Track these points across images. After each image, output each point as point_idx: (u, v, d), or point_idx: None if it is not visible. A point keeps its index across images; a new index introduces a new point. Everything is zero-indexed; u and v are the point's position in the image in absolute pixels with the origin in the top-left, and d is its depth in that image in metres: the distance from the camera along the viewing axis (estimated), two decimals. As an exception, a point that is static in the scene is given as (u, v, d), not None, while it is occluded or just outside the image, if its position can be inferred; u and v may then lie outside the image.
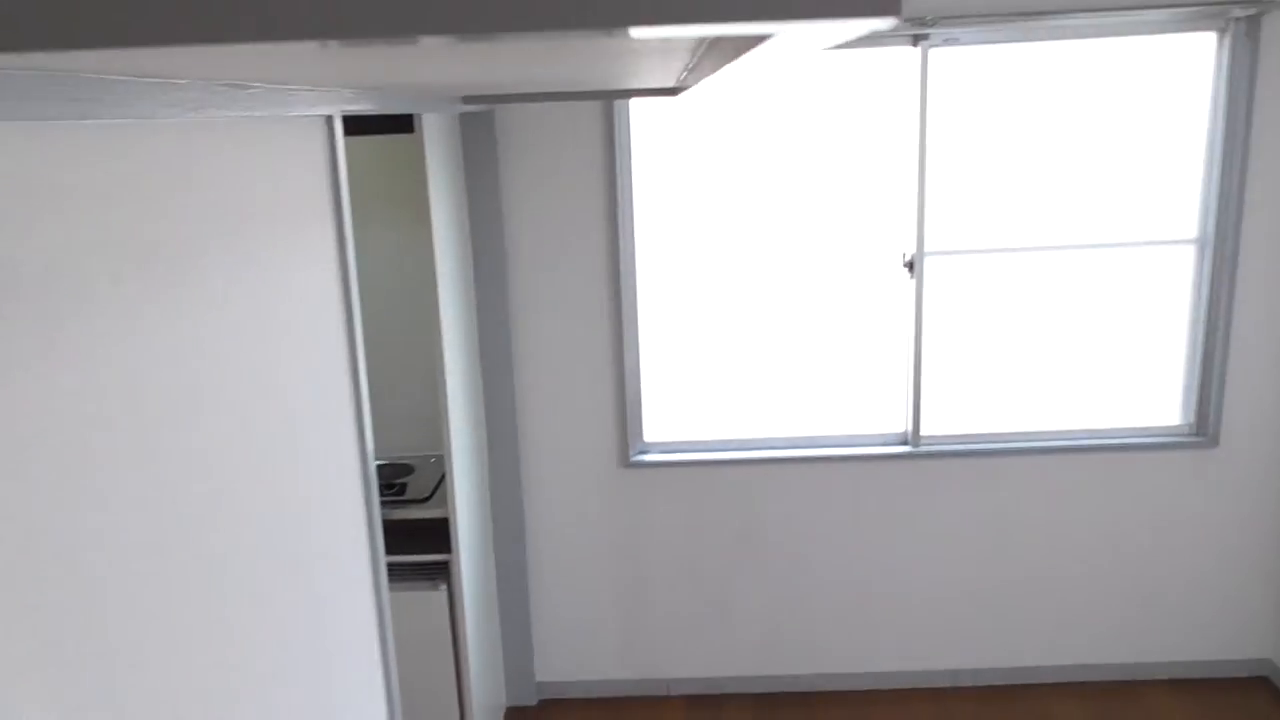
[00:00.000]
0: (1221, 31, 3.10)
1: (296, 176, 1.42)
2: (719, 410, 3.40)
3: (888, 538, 3.45)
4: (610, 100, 2.92)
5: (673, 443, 3.42)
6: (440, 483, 3.08)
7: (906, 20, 2.99)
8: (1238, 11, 2.99)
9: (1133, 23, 3.06)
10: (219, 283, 1.19)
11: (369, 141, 3.13)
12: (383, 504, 2.96)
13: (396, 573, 2.99)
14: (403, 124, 2.64)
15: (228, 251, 1.21)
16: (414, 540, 2.97)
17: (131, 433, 1.00)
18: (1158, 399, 3.39)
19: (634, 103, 3.15)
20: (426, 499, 2.98)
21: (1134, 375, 3.37)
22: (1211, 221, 3.22)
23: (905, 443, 3.40)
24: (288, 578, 1.48)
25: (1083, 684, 3.53)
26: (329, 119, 1.49)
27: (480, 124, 3.08)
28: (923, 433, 3.38)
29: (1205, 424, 3.35)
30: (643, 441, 3.42)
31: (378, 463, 3.30)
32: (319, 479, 1.63)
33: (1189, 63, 3.13)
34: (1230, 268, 3.21)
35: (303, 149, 1.42)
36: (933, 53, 3.10)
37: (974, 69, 3.12)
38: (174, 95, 0.90)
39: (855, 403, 3.39)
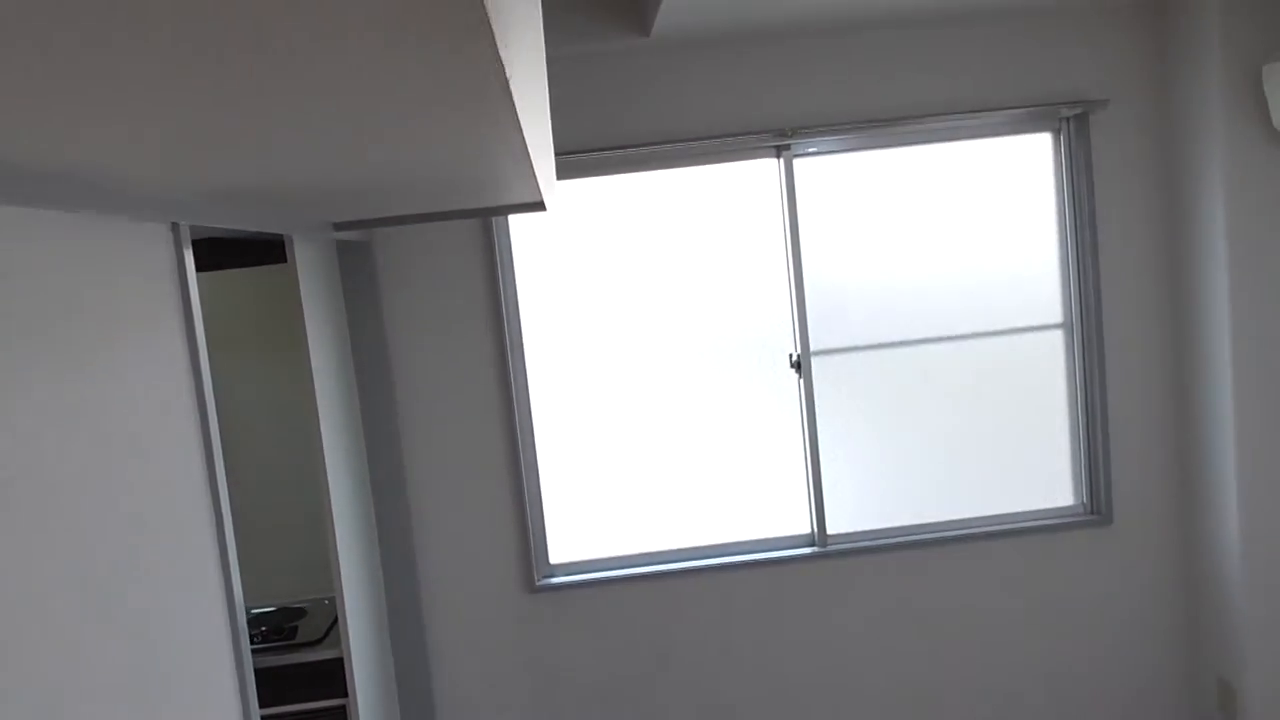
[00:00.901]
0: (1056, 132, 3.34)
1: (135, 285, 1.39)
2: (624, 526, 3.35)
3: (804, 641, 3.38)
4: (482, 218, 2.98)
5: (579, 563, 3.35)
6: (334, 624, 2.93)
7: (767, 132, 3.16)
8: (1065, 111, 3.23)
9: (974, 126, 3.28)
10: (29, 387, 1.15)
11: (243, 274, 3.11)
12: (270, 649, 2.80)
13: (289, 725, 2.80)
14: (276, 254, 2.64)
15: (43, 355, 1.17)
16: (311, 687, 2.81)
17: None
18: (1051, 481, 3.46)
19: (514, 223, 3.21)
20: (318, 641, 2.83)
21: (1026, 459, 3.45)
22: (1074, 306, 3.38)
23: (812, 544, 3.39)
24: None
25: (1016, 779, 3.45)
26: (175, 226, 1.48)
27: (358, 253, 3.09)
28: (829, 532, 3.38)
29: (1098, 503, 3.43)
30: (548, 565, 3.33)
31: (267, 609, 3.14)
32: (172, 625, 1.53)
33: (1039, 158, 3.36)
34: (1097, 349, 3.36)
35: (143, 255, 1.40)
36: (798, 161, 3.26)
37: (842, 174, 3.29)
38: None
39: (761, 507, 3.38)
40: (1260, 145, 3.03)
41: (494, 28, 0.58)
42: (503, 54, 0.65)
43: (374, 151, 1.10)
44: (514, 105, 0.80)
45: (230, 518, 1.77)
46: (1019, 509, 3.45)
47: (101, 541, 1.29)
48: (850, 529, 3.40)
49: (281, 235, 2.49)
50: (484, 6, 0.56)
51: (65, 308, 1.22)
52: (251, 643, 2.88)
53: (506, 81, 0.71)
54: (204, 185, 1.24)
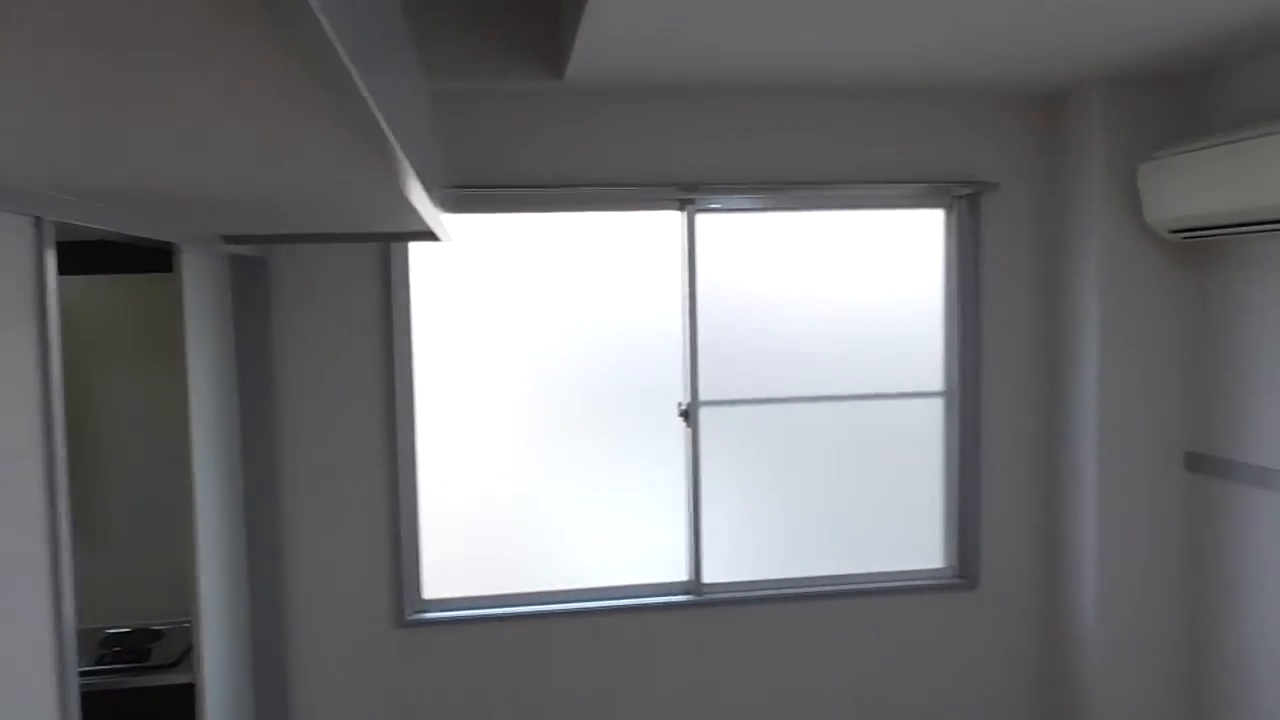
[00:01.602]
0: (948, 208, 3.49)
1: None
2: (502, 565, 3.33)
3: (676, 689, 3.39)
4: (377, 243, 2.97)
5: (453, 600, 3.30)
6: (191, 648, 2.83)
7: (672, 185, 3.23)
8: (959, 190, 3.39)
9: (872, 197, 3.41)
10: None
11: (128, 280, 3.03)
12: (122, 671, 2.69)
13: (131, 750, 2.69)
14: (163, 263, 2.59)
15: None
16: (162, 712, 2.70)
17: None
18: (923, 543, 3.56)
19: (414, 254, 3.20)
20: (173, 665, 2.73)
21: (901, 520, 3.54)
22: (955, 376, 3.51)
23: (689, 592, 3.41)
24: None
25: (873, 838, 3.49)
26: (39, 221, 1.45)
27: (253, 268, 3.04)
28: (705, 580, 3.41)
29: (966, 566, 3.54)
30: (420, 600, 3.28)
31: (123, 629, 3.02)
32: None
33: (932, 231, 3.50)
34: (974, 419, 3.49)
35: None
36: (700, 216, 3.33)
37: (743, 231, 3.37)
38: None
39: (640, 552, 3.40)
40: (1133, 236, 3.22)
41: (322, 20, 0.59)
42: (342, 54, 0.66)
43: (219, 150, 1.10)
44: (366, 107, 0.82)
45: (69, 531, 1.71)
46: (891, 568, 3.53)
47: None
48: (727, 579, 3.44)
49: (170, 244, 2.45)
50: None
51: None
52: (102, 663, 2.76)
53: (351, 80, 0.73)
54: (62, 178, 1.23)
